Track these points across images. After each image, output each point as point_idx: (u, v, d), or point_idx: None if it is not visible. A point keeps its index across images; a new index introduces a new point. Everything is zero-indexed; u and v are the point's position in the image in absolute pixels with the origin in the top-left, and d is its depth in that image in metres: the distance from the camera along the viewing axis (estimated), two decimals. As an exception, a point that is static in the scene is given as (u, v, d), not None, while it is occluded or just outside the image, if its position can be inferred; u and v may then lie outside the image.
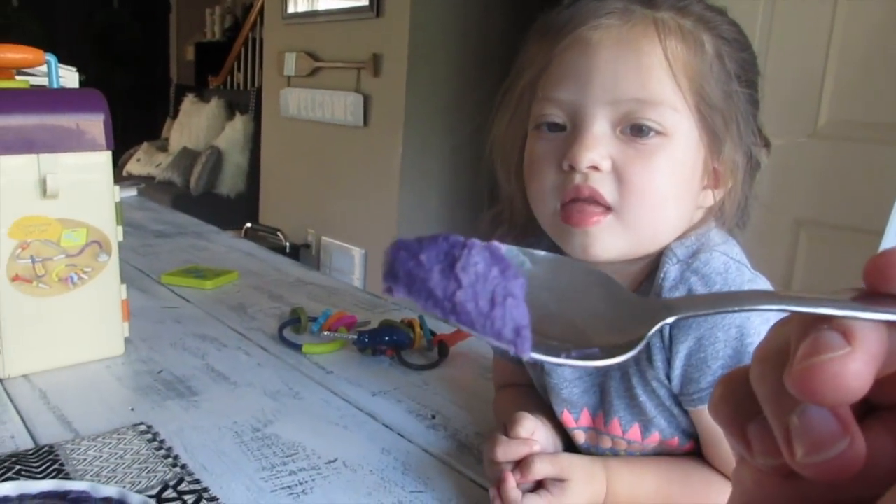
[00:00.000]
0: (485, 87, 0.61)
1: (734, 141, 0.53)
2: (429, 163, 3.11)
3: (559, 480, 0.54)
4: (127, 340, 0.90)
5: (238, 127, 4.47)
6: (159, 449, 0.65)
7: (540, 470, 0.54)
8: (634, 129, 0.51)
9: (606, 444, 0.60)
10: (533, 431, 0.58)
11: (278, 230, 3.68)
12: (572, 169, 0.52)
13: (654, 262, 0.55)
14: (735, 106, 0.53)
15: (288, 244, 3.57)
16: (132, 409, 0.74)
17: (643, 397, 0.56)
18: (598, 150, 0.51)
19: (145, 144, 5.02)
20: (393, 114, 3.11)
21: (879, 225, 1.39)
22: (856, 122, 1.83)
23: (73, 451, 0.63)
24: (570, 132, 0.53)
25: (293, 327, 1.00)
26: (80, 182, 0.82)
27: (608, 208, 0.52)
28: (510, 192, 0.60)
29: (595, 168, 0.51)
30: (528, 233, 0.61)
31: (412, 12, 2.99)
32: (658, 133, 0.51)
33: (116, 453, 0.63)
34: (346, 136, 3.37)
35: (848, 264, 1.76)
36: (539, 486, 0.54)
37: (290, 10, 3.69)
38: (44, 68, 0.92)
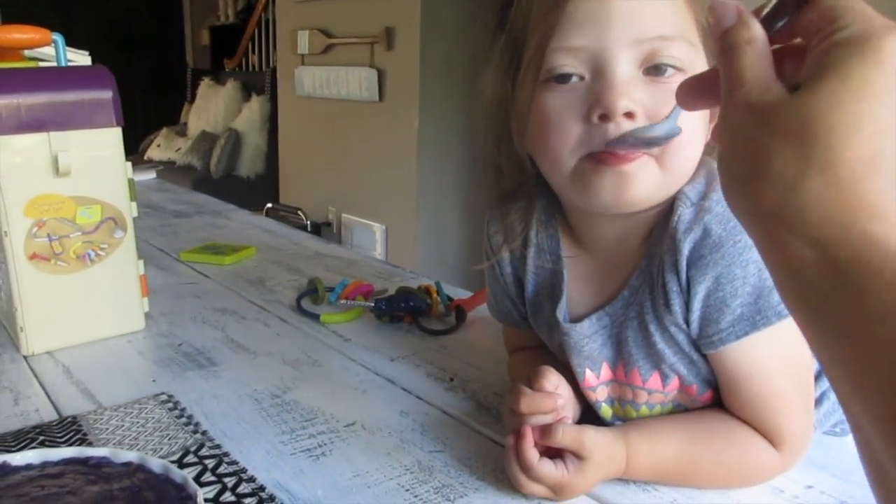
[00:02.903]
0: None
1: None
2: (445, 135, 3.09)
3: (578, 457, 0.52)
4: (147, 316, 0.91)
5: (255, 108, 4.47)
6: (180, 417, 0.65)
7: (563, 439, 0.53)
8: (654, 69, 0.50)
9: (628, 395, 0.59)
10: (557, 386, 0.57)
11: (299, 209, 3.69)
12: (603, 119, 0.49)
13: (668, 207, 0.53)
14: None
15: (309, 223, 3.59)
16: (153, 381, 0.75)
17: (661, 344, 0.55)
18: (631, 94, 0.49)
19: (164, 130, 5.05)
20: (408, 87, 3.09)
21: None
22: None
23: (95, 420, 0.64)
24: (591, 81, 0.51)
25: (311, 297, 1.01)
26: (92, 159, 0.82)
27: (644, 153, 0.50)
28: (505, 162, 0.58)
29: (629, 115, 0.49)
30: (521, 198, 0.60)
31: (423, -17, 2.96)
32: (677, 70, 0.50)
33: (138, 422, 0.64)
34: (362, 111, 3.35)
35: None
36: (556, 452, 0.53)
37: (301, -14, 3.67)
38: (52, 51, 0.92)
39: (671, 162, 0.50)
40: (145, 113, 5.57)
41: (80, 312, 0.84)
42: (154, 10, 6.40)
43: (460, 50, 3.02)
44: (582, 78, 0.51)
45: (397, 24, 3.11)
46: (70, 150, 0.80)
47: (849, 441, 0.66)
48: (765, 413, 0.53)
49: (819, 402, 0.64)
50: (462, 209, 3.13)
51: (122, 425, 0.63)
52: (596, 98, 0.50)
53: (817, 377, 0.63)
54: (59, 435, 0.61)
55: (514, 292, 0.66)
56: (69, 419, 0.64)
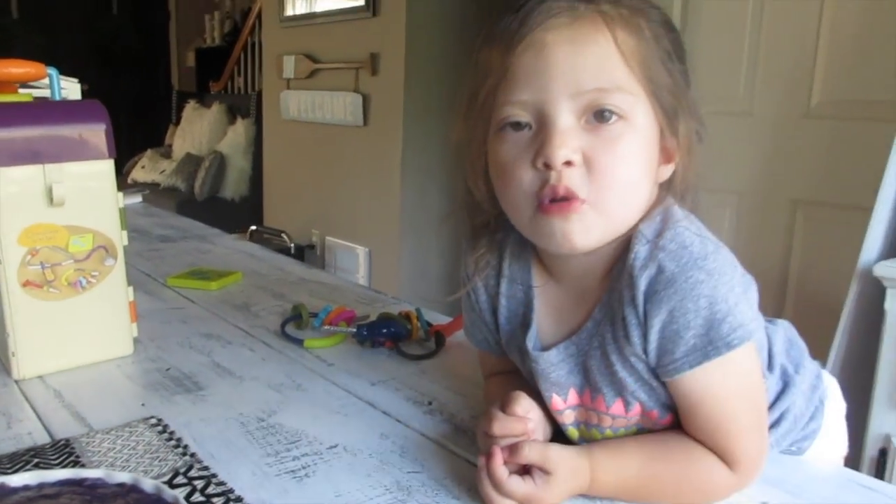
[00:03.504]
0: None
1: (683, 116, 0.57)
2: (429, 159, 3.14)
3: (545, 472, 0.56)
4: (136, 340, 0.93)
5: (240, 131, 4.51)
6: (169, 440, 0.68)
7: (528, 455, 0.56)
8: (598, 116, 0.54)
9: (594, 420, 0.63)
10: (528, 410, 0.62)
11: (283, 232, 3.72)
12: (546, 167, 0.54)
13: (625, 243, 0.57)
14: (678, 83, 0.56)
15: (293, 245, 3.61)
16: (143, 405, 0.78)
17: (623, 373, 0.59)
18: (570, 144, 0.53)
19: (149, 151, 5.07)
20: (392, 112, 3.14)
21: (871, 202, 1.41)
22: (847, 100, 1.85)
23: (87, 443, 0.67)
24: (536, 130, 0.55)
25: (295, 323, 1.04)
26: (85, 189, 0.85)
27: (582, 200, 0.55)
28: (479, 197, 0.62)
29: (568, 163, 0.54)
30: (497, 229, 0.64)
31: (408, 10, 3.02)
32: (619, 117, 0.54)
33: (129, 444, 0.67)
34: (347, 135, 3.40)
35: (843, 241, 1.79)
36: (525, 469, 0.57)
37: (288, 12, 3.73)
38: (46, 80, 0.96)
39: (608, 208, 0.55)
40: (130, 134, 5.57)
41: (70, 338, 0.87)
42: (140, 32, 6.44)
43: (444, 76, 3.09)
44: (530, 127, 0.56)
45: (382, 50, 3.17)
46: (64, 181, 0.83)
47: (803, 459, 0.70)
48: (719, 436, 0.57)
49: (777, 423, 0.68)
50: (446, 232, 3.17)
51: (114, 448, 0.66)
52: (539, 147, 0.54)
53: (775, 401, 0.68)
54: (53, 457, 0.64)
55: (489, 320, 0.69)
56: (62, 442, 0.67)
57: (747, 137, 2.03)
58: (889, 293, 1.32)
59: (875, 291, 1.35)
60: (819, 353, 1.17)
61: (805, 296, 1.95)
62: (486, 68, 0.58)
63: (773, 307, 1.99)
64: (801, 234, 1.97)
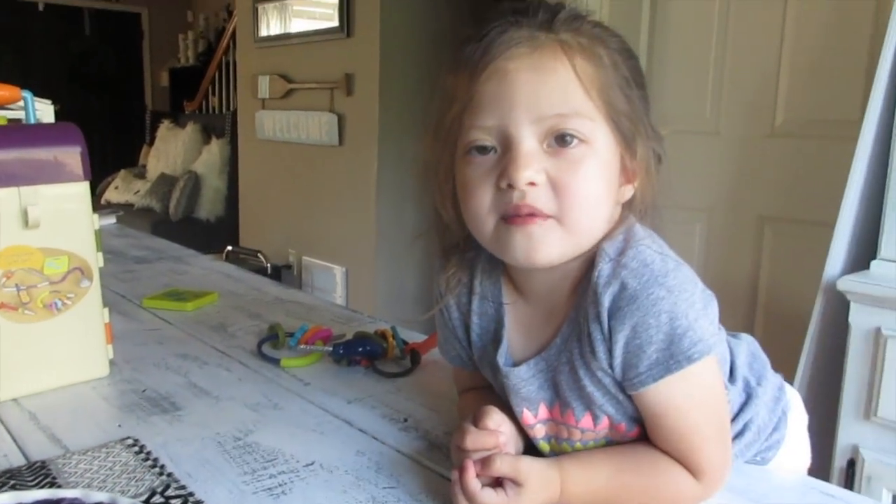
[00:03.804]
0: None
1: (642, 139, 0.59)
2: (405, 178, 3.16)
3: (516, 484, 0.58)
4: (111, 362, 0.94)
5: (215, 151, 4.50)
6: (146, 460, 0.69)
7: (499, 468, 0.58)
8: (559, 140, 0.56)
9: (564, 434, 0.65)
10: (500, 424, 0.63)
11: (259, 252, 3.71)
12: (510, 187, 0.56)
13: (589, 261, 0.59)
14: (636, 107, 0.59)
15: (269, 265, 3.60)
16: (119, 426, 0.78)
17: (591, 388, 0.61)
18: (533, 166, 0.56)
19: (123, 172, 5.04)
20: (367, 131, 3.17)
21: (835, 218, 1.45)
22: (809, 120, 1.90)
23: (64, 465, 0.67)
24: (501, 154, 0.58)
25: (271, 343, 1.04)
26: (60, 212, 0.86)
27: (548, 216, 0.57)
28: (447, 219, 0.64)
29: (532, 184, 0.56)
30: (468, 248, 0.66)
31: (382, 31, 3.05)
32: (581, 141, 0.56)
33: (106, 465, 0.67)
34: (322, 155, 3.41)
35: (809, 256, 1.84)
36: (498, 482, 0.59)
37: (263, 33, 3.74)
38: (20, 102, 0.96)
39: (573, 223, 0.57)
40: (103, 155, 5.55)
41: (46, 360, 0.87)
42: (114, 51, 6.42)
43: (418, 95, 3.12)
44: (495, 150, 0.58)
45: (357, 71, 3.19)
46: (39, 203, 0.84)
47: (767, 469, 0.72)
48: (683, 446, 0.59)
49: (741, 433, 0.70)
50: (421, 251, 3.19)
51: (91, 468, 0.66)
52: (503, 169, 0.57)
53: (738, 412, 0.70)
54: (30, 479, 0.64)
55: (462, 336, 0.71)
56: (38, 464, 0.67)
57: (715, 156, 2.08)
58: (853, 307, 1.35)
59: (840, 305, 1.39)
60: (787, 365, 1.20)
61: (774, 309, 1.99)
62: (452, 95, 0.60)
63: (743, 321, 2.03)
64: (768, 249, 2.02)
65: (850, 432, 1.37)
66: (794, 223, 1.95)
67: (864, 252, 1.43)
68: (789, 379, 0.88)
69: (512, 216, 0.57)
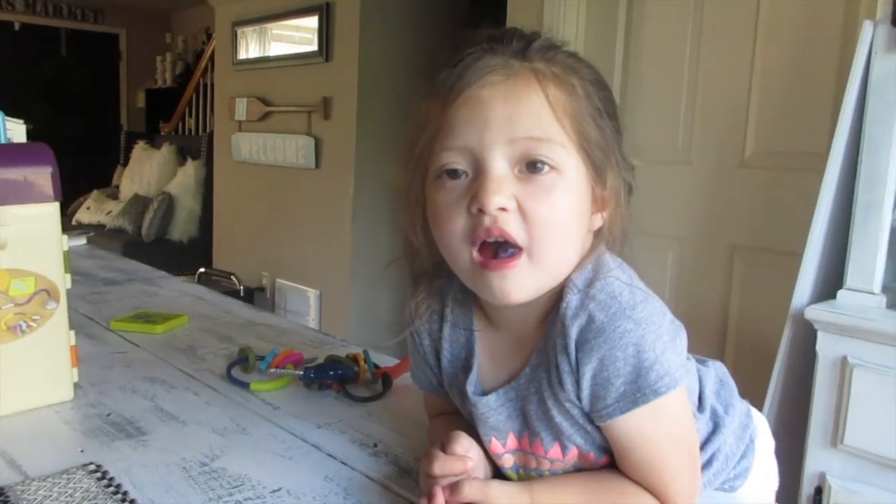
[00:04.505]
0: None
1: (613, 169, 0.60)
2: (381, 202, 3.17)
3: None
4: (76, 386, 0.92)
5: (190, 172, 4.48)
6: (108, 486, 0.67)
7: (469, 493, 0.58)
8: (530, 166, 0.57)
9: (532, 464, 0.65)
10: (468, 449, 0.63)
11: (232, 274, 3.68)
12: (481, 212, 0.57)
13: (559, 292, 0.60)
14: (608, 137, 0.60)
15: (242, 288, 3.57)
16: (81, 451, 0.77)
17: (559, 418, 0.61)
18: (504, 191, 0.56)
19: (95, 192, 4.99)
20: (344, 155, 3.17)
21: (804, 248, 1.48)
22: (778, 152, 1.94)
23: (23, 491, 0.65)
24: (472, 178, 0.58)
25: (241, 366, 1.03)
26: (29, 232, 0.85)
27: (519, 248, 0.57)
28: (417, 245, 0.64)
29: (503, 209, 0.56)
30: (439, 275, 0.66)
31: (360, 57, 3.08)
32: (552, 168, 0.57)
33: (66, 492, 0.66)
34: (299, 178, 3.41)
35: (778, 285, 1.86)
36: None
37: (241, 56, 3.75)
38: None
39: (543, 255, 0.57)
40: (75, 175, 5.48)
41: (8, 383, 0.85)
42: (90, 71, 6.38)
43: (396, 121, 3.13)
44: (466, 174, 0.58)
45: (334, 95, 3.21)
46: (8, 223, 0.82)
47: (735, 496, 0.72)
48: (652, 476, 0.59)
49: (709, 462, 0.71)
50: (396, 275, 3.18)
51: (51, 496, 0.65)
52: (474, 194, 0.57)
53: (706, 442, 0.70)
54: (-14, 506, 0.62)
55: (432, 362, 0.71)
56: (-4, 490, 0.66)
57: (687, 185, 2.12)
58: (820, 335, 1.37)
59: (807, 334, 1.41)
60: (756, 393, 1.21)
61: (744, 337, 2.02)
62: (425, 120, 0.60)
63: (713, 349, 2.05)
64: (739, 277, 2.04)
65: (818, 460, 1.38)
66: (763, 252, 1.98)
67: (831, 281, 1.46)
68: (758, 406, 0.89)
69: (483, 246, 0.57)
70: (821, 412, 1.37)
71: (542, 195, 0.56)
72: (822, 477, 1.38)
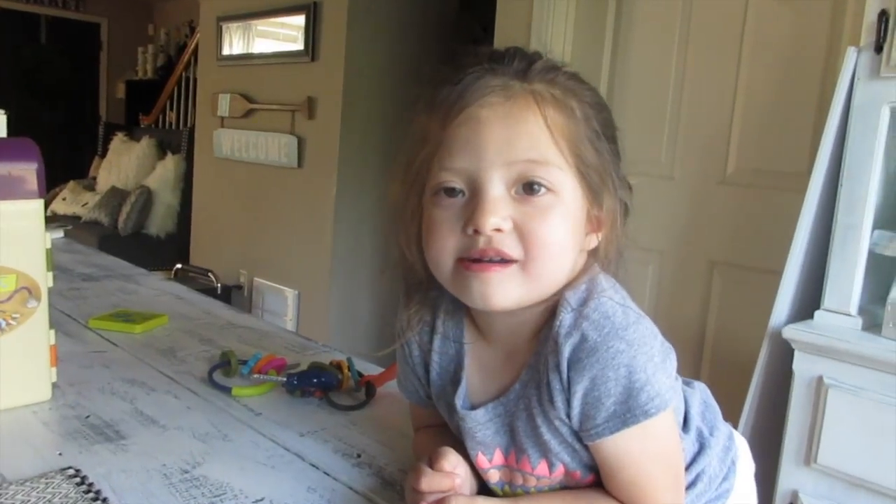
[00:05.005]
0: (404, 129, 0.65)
1: (609, 192, 0.60)
2: (363, 204, 3.15)
3: None
4: (54, 385, 0.90)
5: (169, 166, 4.43)
6: (87, 492, 0.66)
7: None
8: (527, 188, 0.57)
9: (518, 480, 0.65)
10: (456, 465, 0.63)
11: (210, 271, 3.64)
12: (476, 233, 0.57)
13: (551, 309, 0.60)
14: (605, 160, 0.60)
15: (219, 286, 3.54)
16: (60, 454, 0.75)
17: (547, 435, 0.61)
18: (500, 212, 0.56)
19: (71, 183, 4.92)
20: (327, 155, 3.16)
21: (782, 266, 1.50)
22: (759, 170, 1.97)
23: (1, 495, 0.64)
24: (468, 198, 0.58)
25: (223, 370, 1.02)
26: (11, 229, 0.83)
27: (512, 261, 0.57)
28: (411, 259, 0.64)
29: (498, 230, 0.56)
30: (432, 286, 0.66)
31: (347, 57, 3.06)
32: (548, 190, 0.57)
33: (44, 497, 0.64)
34: (281, 177, 3.39)
35: (756, 302, 1.88)
36: None
37: (225, 51, 3.72)
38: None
39: (536, 270, 0.57)
40: (51, 165, 5.39)
41: (-15, 382, 0.83)
42: (69, 60, 6.29)
43: (380, 121, 3.13)
44: (463, 193, 0.58)
45: (319, 95, 3.19)
46: (-11, 220, 0.81)
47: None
48: (637, 496, 0.59)
49: (693, 483, 0.71)
50: (376, 278, 3.17)
51: (28, 500, 0.64)
52: (470, 214, 0.57)
53: (691, 463, 0.71)
54: (-38, 510, 0.61)
55: (421, 373, 0.71)
56: (-28, 494, 0.64)
57: (669, 199, 2.14)
58: (797, 355, 1.39)
59: (784, 352, 1.43)
60: (732, 410, 1.22)
61: (720, 353, 2.04)
62: (424, 136, 0.60)
63: (690, 364, 2.07)
64: (717, 293, 2.07)
65: (791, 478, 1.40)
66: (741, 269, 2.00)
67: (809, 301, 1.48)
68: (733, 423, 0.90)
69: (471, 260, 0.57)
70: (795, 431, 1.39)
71: (538, 215, 0.57)
72: (795, 494, 1.40)
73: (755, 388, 1.48)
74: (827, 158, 1.45)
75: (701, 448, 0.71)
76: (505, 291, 0.58)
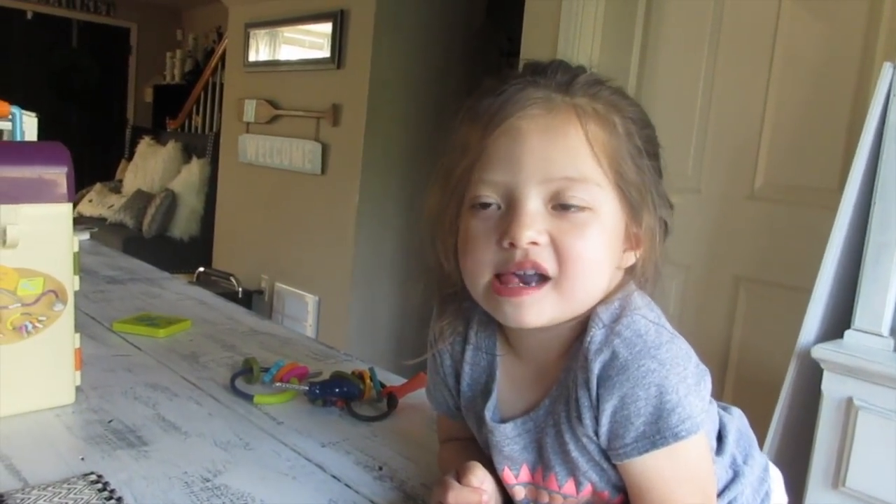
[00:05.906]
0: (442, 139, 0.65)
1: (649, 210, 0.59)
2: (385, 212, 3.16)
3: None
4: (78, 389, 0.90)
5: (194, 170, 4.47)
6: (109, 499, 0.66)
7: None
8: (564, 205, 0.56)
9: (544, 499, 0.63)
10: (483, 481, 0.62)
11: (231, 275, 3.66)
12: (512, 246, 0.56)
13: (583, 324, 0.59)
14: (646, 178, 0.59)
15: (241, 290, 3.56)
16: (82, 459, 0.75)
17: (575, 453, 0.60)
18: (536, 226, 0.56)
19: (98, 185, 4.98)
20: (351, 163, 3.16)
21: (810, 284, 1.47)
22: (788, 185, 1.94)
23: (23, 500, 0.64)
24: (505, 211, 0.57)
25: (245, 377, 1.02)
26: (40, 233, 0.84)
27: (548, 278, 0.56)
28: (448, 270, 0.63)
29: (534, 243, 0.56)
30: (466, 297, 0.65)
31: (372, 65, 3.07)
32: (586, 207, 0.56)
33: (66, 502, 0.64)
34: (304, 183, 3.40)
35: (783, 320, 1.84)
36: None
37: (252, 58, 3.75)
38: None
39: (571, 289, 0.57)
40: (79, 166, 5.46)
41: (11, 384, 0.83)
42: (99, 64, 6.37)
43: (404, 130, 3.14)
44: (500, 207, 0.58)
45: (344, 102, 3.20)
46: (19, 222, 0.81)
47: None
48: None
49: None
50: (397, 285, 3.17)
51: (51, 506, 0.63)
52: (506, 228, 0.56)
53: (724, 489, 0.69)
54: (-15, 514, 0.61)
55: (451, 384, 0.70)
56: (-5, 497, 0.64)
57: (695, 213, 2.11)
58: (826, 375, 1.37)
59: (813, 372, 1.40)
60: (757, 430, 1.20)
61: (745, 371, 2.00)
62: (464, 146, 0.60)
63: (714, 382, 2.03)
64: (742, 309, 2.04)
65: (818, 502, 1.37)
66: (767, 285, 1.97)
67: (839, 321, 1.45)
68: (759, 442, 0.88)
69: (502, 284, 0.57)
70: (823, 453, 1.36)
71: (575, 231, 0.56)
72: (821, 518, 1.37)
73: (782, 408, 1.45)
74: (860, 175, 1.42)
75: (735, 475, 0.69)
76: (539, 311, 0.57)
